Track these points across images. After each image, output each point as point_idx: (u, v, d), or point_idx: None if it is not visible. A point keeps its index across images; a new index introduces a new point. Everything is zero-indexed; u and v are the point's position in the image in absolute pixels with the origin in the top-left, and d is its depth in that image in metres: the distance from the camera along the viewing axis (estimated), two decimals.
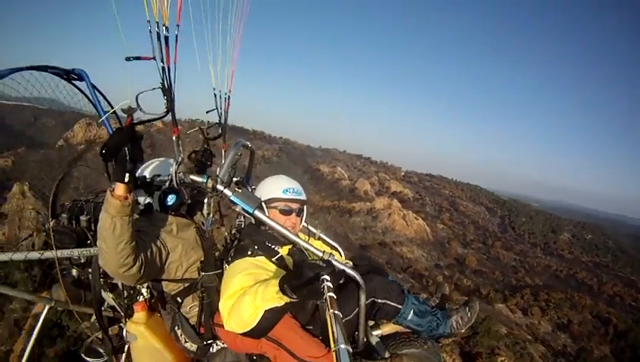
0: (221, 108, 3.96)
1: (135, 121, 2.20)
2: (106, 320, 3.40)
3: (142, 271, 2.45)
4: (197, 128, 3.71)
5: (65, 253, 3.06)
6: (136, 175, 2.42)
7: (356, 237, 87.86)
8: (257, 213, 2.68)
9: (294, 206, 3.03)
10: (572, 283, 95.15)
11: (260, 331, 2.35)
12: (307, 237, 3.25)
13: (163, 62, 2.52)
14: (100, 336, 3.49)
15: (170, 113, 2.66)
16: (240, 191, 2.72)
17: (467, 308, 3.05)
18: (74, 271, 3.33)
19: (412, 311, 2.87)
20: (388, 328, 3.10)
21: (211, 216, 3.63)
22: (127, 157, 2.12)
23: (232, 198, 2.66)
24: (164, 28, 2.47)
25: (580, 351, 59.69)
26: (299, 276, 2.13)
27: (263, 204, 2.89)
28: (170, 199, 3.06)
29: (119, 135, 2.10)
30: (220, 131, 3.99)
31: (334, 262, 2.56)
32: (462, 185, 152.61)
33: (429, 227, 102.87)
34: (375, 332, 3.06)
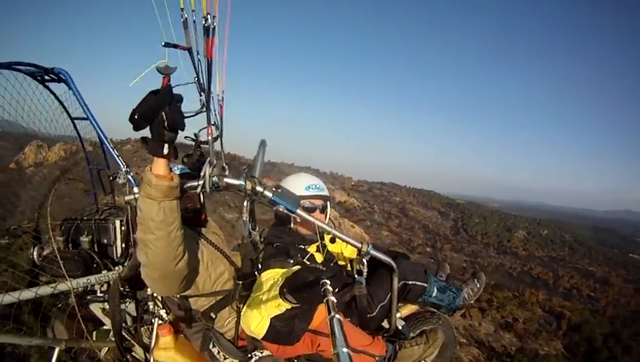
0: (215, 112, 3.48)
1: (181, 95, 1.85)
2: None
3: (187, 269, 2.22)
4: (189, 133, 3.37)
5: (81, 282, 2.72)
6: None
7: None
8: (300, 211, 2.54)
9: (318, 202, 2.96)
10: (527, 279, 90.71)
11: (273, 338, 2.32)
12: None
13: (199, 55, 2.35)
14: None
15: (206, 111, 2.56)
16: (280, 190, 2.53)
17: (475, 280, 3.23)
18: (72, 301, 2.85)
19: (436, 288, 2.99)
20: (406, 310, 3.28)
21: (249, 221, 2.83)
22: (166, 124, 1.73)
23: (275, 198, 2.47)
24: (207, 18, 2.17)
25: (519, 350, 53.16)
26: (298, 281, 2.07)
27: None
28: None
29: (155, 97, 1.69)
30: (218, 135, 3.57)
31: (373, 251, 2.62)
32: (414, 192, 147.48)
33: (370, 234, 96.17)
34: (397, 315, 3.06)
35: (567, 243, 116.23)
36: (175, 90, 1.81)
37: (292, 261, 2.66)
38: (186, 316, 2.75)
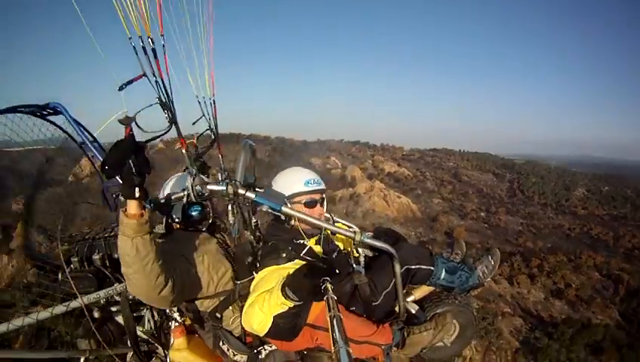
0: (209, 114, 3.85)
1: (144, 141, 2.05)
2: (142, 356, 3.26)
3: (175, 290, 2.38)
4: (190, 141, 3.39)
5: (91, 297, 2.96)
6: (147, 189, 2.14)
7: None
8: (285, 209, 2.63)
9: (317, 197, 3.02)
10: (586, 240, 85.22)
11: (275, 335, 2.41)
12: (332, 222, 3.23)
13: (155, 76, 2.48)
14: None
15: (173, 125, 2.67)
16: (262, 190, 2.69)
17: (489, 257, 3.17)
18: (96, 314, 3.16)
19: (444, 270, 2.98)
20: (419, 292, 3.26)
21: (236, 223, 3.12)
22: (133, 171, 1.94)
23: (257, 199, 2.60)
24: (150, 40, 2.39)
25: (564, 321, 50.31)
26: (299, 279, 2.13)
27: (287, 200, 2.84)
28: (194, 211, 2.97)
29: (120, 147, 1.91)
30: (213, 137, 3.91)
31: (367, 239, 2.65)
32: (468, 155, 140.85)
33: (420, 203, 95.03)
34: (409, 299, 3.15)
35: (629, 199, 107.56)
36: (140, 115, 2.15)
37: (284, 256, 2.69)
38: (195, 317, 2.96)
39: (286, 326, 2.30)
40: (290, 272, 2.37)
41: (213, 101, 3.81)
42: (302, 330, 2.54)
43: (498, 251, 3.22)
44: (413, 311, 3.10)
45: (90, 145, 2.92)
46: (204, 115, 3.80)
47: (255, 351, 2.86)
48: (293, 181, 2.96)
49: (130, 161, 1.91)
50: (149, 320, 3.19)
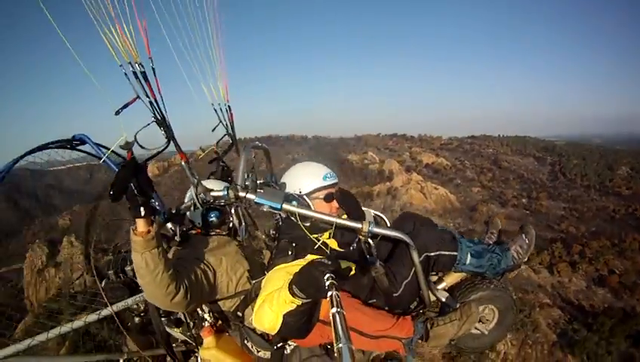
0: (225, 120, 3.94)
1: (140, 159, 2.18)
2: (180, 355, 3.49)
3: (188, 295, 2.47)
4: (210, 148, 3.86)
5: (120, 305, 3.16)
6: (154, 205, 2.46)
7: None
8: (286, 206, 2.61)
9: (334, 190, 2.98)
10: (631, 222, 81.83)
11: (287, 333, 2.35)
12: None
13: (149, 97, 2.56)
14: None
15: (171, 141, 2.70)
16: (262, 191, 2.64)
17: (524, 236, 2.98)
18: (136, 319, 3.37)
19: (469, 255, 2.82)
20: (451, 279, 3.07)
21: (243, 224, 3.24)
22: (136, 191, 2.08)
23: (257, 200, 2.61)
24: (138, 65, 2.50)
25: (604, 311, 48.85)
26: (305, 276, 2.11)
27: (306, 197, 2.87)
28: (213, 216, 3.19)
29: (122, 172, 2.05)
30: (231, 142, 4.02)
31: (375, 229, 2.56)
32: (507, 140, 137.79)
33: (459, 193, 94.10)
34: (440, 286, 3.01)
35: None
36: (141, 134, 2.34)
37: (291, 253, 2.72)
38: (221, 317, 3.12)
39: (297, 324, 2.27)
40: (296, 270, 2.38)
41: (229, 107, 3.94)
42: (314, 327, 2.49)
43: (532, 229, 3.06)
44: (443, 299, 3.00)
45: (113, 165, 3.03)
46: (221, 122, 3.94)
47: (276, 347, 2.89)
48: (312, 177, 2.95)
49: (132, 184, 2.07)
50: (184, 322, 3.29)
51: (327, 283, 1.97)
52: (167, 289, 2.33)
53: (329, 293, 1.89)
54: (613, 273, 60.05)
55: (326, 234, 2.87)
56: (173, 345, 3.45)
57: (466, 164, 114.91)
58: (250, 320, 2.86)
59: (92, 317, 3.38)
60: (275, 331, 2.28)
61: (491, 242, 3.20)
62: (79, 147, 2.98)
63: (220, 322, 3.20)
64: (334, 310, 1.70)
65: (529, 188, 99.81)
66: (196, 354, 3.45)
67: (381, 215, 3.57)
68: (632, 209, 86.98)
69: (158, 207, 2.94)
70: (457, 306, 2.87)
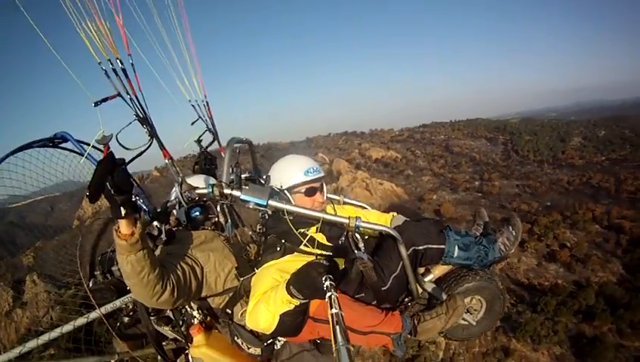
0: (204, 116, 4.02)
1: (123, 158, 2.08)
2: (171, 354, 3.43)
3: (175, 294, 2.46)
4: (190, 141, 3.86)
5: (108, 307, 3.14)
6: (135, 202, 2.21)
7: None
8: (272, 202, 2.57)
9: (317, 185, 2.94)
10: (587, 191, 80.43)
11: (282, 332, 2.41)
12: (332, 207, 3.18)
13: (129, 94, 2.58)
14: None
15: (154, 139, 2.73)
16: (247, 187, 2.59)
17: (509, 227, 2.98)
18: (126, 319, 3.36)
19: (456, 247, 2.80)
20: (438, 271, 3.08)
21: (229, 221, 3.26)
22: (112, 192, 1.94)
23: (243, 197, 2.56)
24: (118, 61, 2.51)
25: (551, 289, 45.90)
26: (302, 277, 2.15)
27: (286, 192, 2.85)
28: (195, 212, 3.22)
29: (98, 169, 1.91)
30: (213, 137, 4.07)
31: (362, 224, 2.56)
32: (459, 124, 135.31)
33: (407, 185, 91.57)
34: (427, 279, 3.02)
35: (627, 140, 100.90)
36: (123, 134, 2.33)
37: (279, 250, 2.67)
38: (210, 314, 3.04)
39: (293, 324, 2.31)
40: (287, 266, 2.53)
41: (206, 102, 3.98)
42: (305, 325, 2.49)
43: (519, 220, 2.98)
44: (431, 291, 2.92)
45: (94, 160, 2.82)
46: (200, 117, 3.96)
47: (266, 343, 2.90)
48: (293, 172, 2.87)
49: (108, 183, 1.88)
50: (173, 320, 3.18)
51: (325, 284, 1.99)
52: (153, 289, 2.29)
53: (327, 294, 1.90)
54: (564, 247, 57.03)
55: (313, 229, 2.84)
56: (164, 343, 3.36)
57: (417, 153, 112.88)
58: (239, 316, 2.91)
59: (81, 321, 3.29)
60: (271, 331, 2.32)
61: (478, 234, 3.10)
62: (61, 145, 2.89)
63: (209, 319, 3.15)
64: (333, 311, 1.72)
65: (481, 170, 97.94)
66: (187, 352, 3.34)
67: (366, 206, 3.64)
68: (586, 178, 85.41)
69: (144, 206, 2.83)
70: (444, 298, 2.83)
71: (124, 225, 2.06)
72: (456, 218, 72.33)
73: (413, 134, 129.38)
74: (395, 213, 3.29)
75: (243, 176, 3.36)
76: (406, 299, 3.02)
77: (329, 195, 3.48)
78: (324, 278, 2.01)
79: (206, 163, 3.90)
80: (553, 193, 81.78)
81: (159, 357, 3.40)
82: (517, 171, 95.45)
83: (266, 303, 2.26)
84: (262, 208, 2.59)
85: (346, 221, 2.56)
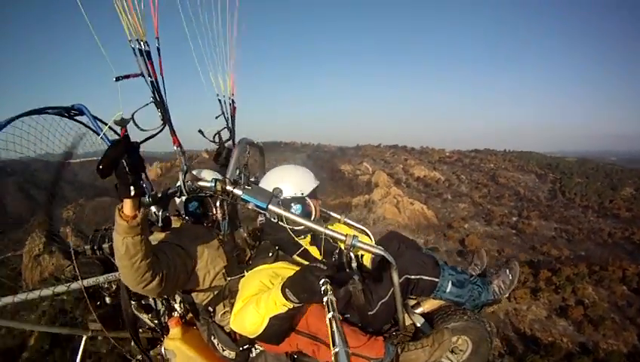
0: (227, 114, 3.89)
1: (134, 140, 2.09)
2: (145, 342, 3.42)
3: (163, 284, 2.44)
4: (211, 129, 3.71)
5: (90, 281, 3.12)
6: (144, 187, 2.27)
7: None
8: (272, 207, 2.54)
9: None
10: (627, 247, 74.53)
11: (268, 337, 2.35)
12: (332, 224, 3.27)
13: (150, 77, 2.53)
14: (141, 358, 3.47)
15: (167, 125, 2.67)
16: (250, 188, 2.57)
17: (507, 271, 2.91)
18: (107, 299, 3.32)
19: (450, 283, 2.73)
20: (429, 304, 3.03)
21: (227, 219, 3.10)
22: (127, 170, 1.96)
23: (243, 197, 2.53)
24: (143, 43, 2.47)
25: (545, 347, 43.24)
26: (300, 280, 2.13)
27: (307, 198, 2.88)
28: (192, 206, 3.19)
29: (114, 148, 1.94)
30: (230, 135, 3.92)
31: (358, 243, 2.45)
32: (511, 155, 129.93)
33: (441, 209, 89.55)
34: (417, 311, 2.97)
35: None
36: (138, 115, 2.25)
37: (271, 255, 2.66)
38: (191, 309, 2.97)
39: (280, 329, 2.28)
40: (278, 272, 2.52)
41: (232, 100, 3.86)
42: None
43: (517, 265, 2.91)
44: (419, 325, 2.86)
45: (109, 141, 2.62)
46: (223, 113, 3.82)
47: (242, 348, 2.83)
48: (310, 178, 2.94)
49: (124, 161, 1.91)
50: (154, 309, 3.18)
51: (323, 288, 1.97)
52: (142, 276, 2.28)
53: (325, 298, 1.88)
54: (580, 304, 53.79)
55: (307, 240, 2.87)
56: (140, 330, 3.35)
57: (462, 178, 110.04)
58: (219, 316, 2.88)
59: (61, 288, 3.27)
60: (257, 334, 2.27)
61: (474, 273, 3.03)
62: (76, 117, 2.74)
63: (189, 315, 3.11)
64: (330, 315, 1.70)
65: (522, 207, 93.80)
66: (160, 343, 3.31)
67: (366, 230, 3.69)
68: (628, 233, 79.27)
69: (145, 190, 2.64)
70: (430, 332, 2.71)
71: (128, 206, 2.06)
72: (484, 251, 70.49)
73: (462, 158, 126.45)
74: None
75: (252, 179, 3.43)
76: (392, 329, 2.92)
77: (331, 213, 3.76)
78: (321, 282, 2.00)
79: (227, 156, 3.70)
80: (590, 243, 77.09)
81: (132, 343, 3.39)
82: (560, 213, 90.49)
83: (256, 305, 2.24)
84: (261, 210, 2.60)
85: (343, 238, 2.47)
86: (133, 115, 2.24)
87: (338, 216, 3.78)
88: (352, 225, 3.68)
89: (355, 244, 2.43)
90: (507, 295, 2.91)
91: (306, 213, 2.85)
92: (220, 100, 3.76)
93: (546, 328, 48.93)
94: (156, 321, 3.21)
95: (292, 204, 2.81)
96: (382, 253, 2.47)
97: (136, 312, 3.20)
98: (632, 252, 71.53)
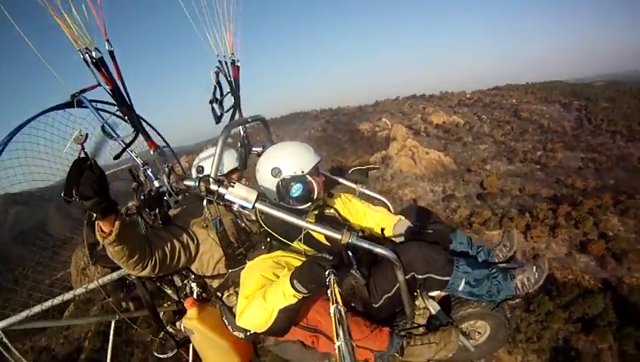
0: (229, 76, 3.58)
1: (91, 161, 1.97)
2: (170, 315, 3.50)
3: (157, 269, 2.52)
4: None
5: (105, 279, 3.25)
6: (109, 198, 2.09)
7: None
8: (259, 205, 2.40)
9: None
10: None
11: (276, 330, 2.31)
12: (341, 199, 3.20)
13: (108, 85, 2.41)
14: (162, 336, 3.52)
15: (138, 133, 2.59)
16: (234, 186, 2.41)
17: (534, 268, 2.65)
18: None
19: (463, 281, 2.54)
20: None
21: (218, 216, 2.89)
22: (78, 199, 1.90)
23: (227, 197, 2.40)
24: (94, 50, 2.31)
25: (548, 284, 40.38)
26: (307, 270, 2.11)
27: (308, 176, 2.77)
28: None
29: (70, 172, 1.90)
30: (234, 101, 3.64)
31: (356, 242, 2.33)
32: (533, 87, 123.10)
33: (461, 153, 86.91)
34: (433, 293, 2.76)
35: None
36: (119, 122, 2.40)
37: (264, 247, 2.61)
38: (205, 291, 3.07)
39: (288, 321, 2.25)
40: (277, 261, 2.48)
41: (233, 61, 3.57)
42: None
43: (546, 263, 2.64)
44: (434, 312, 2.66)
45: (112, 129, 2.65)
46: (225, 76, 3.54)
47: (249, 333, 2.76)
48: (308, 154, 2.81)
49: (74, 192, 1.86)
50: (176, 286, 3.24)
51: (328, 278, 1.96)
52: (134, 268, 2.41)
53: (330, 289, 1.87)
54: (604, 237, 50.79)
55: (311, 219, 2.79)
56: (166, 304, 3.49)
57: (484, 118, 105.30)
58: (226, 298, 2.87)
59: (80, 291, 3.45)
60: (266, 328, 2.24)
61: (502, 255, 3.00)
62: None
63: (204, 294, 3.13)
64: (335, 306, 1.68)
65: (546, 140, 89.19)
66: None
67: (384, 200, 3.58)
68: None
69: (152, 176, 2.70)
70: (445, 322, 2.63)
71: (102, 225, 2.06)
72: (501, 192, 68.67)
73: (483, 98, 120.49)
74: (402, 217, 3.12)
75: (255, 150, 3.58)
76: (399, 319, 2.84)
77: (346, 182, 3.67)
78: (327, 272, 1.99)
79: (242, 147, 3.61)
80: (619, 170, 72.63)
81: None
82: (585, 142, 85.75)
83: (263, 299, 2.21)
84: (247, 211, 2.53)
85: (339, 237, 2.36)
86: (103, 128, 2.34)
87: (354, 186, 3.66)
88: (370, 195, 3.63)
89: (353, 244, 2.31)
90: (531, 291, 2.66)
91: (307, 192, 2.75)
92: (220, 60, 3.50)
93: (567, 266, 46.47)
94: (179, 296, 3.25)
95: (292, 183, 2.72)
96: (384, 252, 2.35)
97: (161, 286, 3.27)
98: None
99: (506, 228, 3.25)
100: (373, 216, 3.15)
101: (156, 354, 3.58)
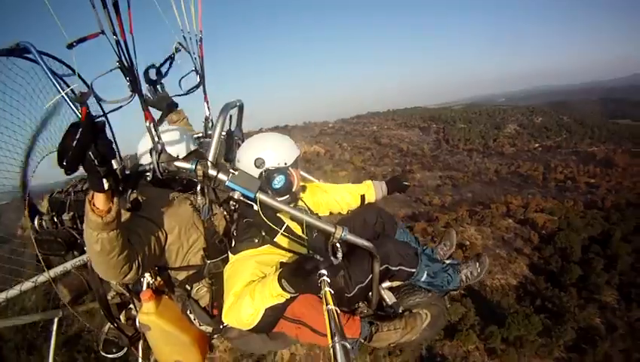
0: (194, 53, 3.49)
1: (104, 120, 1.68)
2: (115, 309, 3.17)
3: (140, 271, 2.20)
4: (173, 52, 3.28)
5: (57, 270, 2.89)
6: (116, 170, 1.77)
7: None
8: (260, 195, 2.29)
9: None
10: (514, 180, 75.79)
11: (261, 328, 2.27)
12: (336, 187, 3.16)
13: (116, 35, 1.99)
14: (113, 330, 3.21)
15: (136, 95, 2.21)
16: (237, 173, 2.28)
17: (477, 264, 2.93)
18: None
19: (425, 273, 2.75)
20: (396, 282, 2.99)
21: (207, 204, 2.66)
22: (96, 161, 1.60)
23: (229, 184, 2.25)
24: None
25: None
26: (297, 271, 2.05)
27: (290, 168, 2.59)
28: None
29: (78, 137, 1.54)
30: (198, 80, 3.54)
31: (348, 236, 2.36)
32: (394, 114, 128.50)
33: (324, 180, 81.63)
34: (384, 285, 2.90)
35: (564, 126, 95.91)
36: (101, 80, 1.93)
37: (257, 241, 2.43)
38: (166, 284, 2.73)
39: (274, 319, 2.25)
40: (266, 259, 2.37)
41: (200, 38, 3.47)
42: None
43: (488, 260, 2.93)
44: (390, 302, 2.80)
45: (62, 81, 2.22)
46: (188, 52, 3.42)
47: (222, 326, 2.65)
48: (290, 146, 2.63)
49: (91, 153, 1.56)
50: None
51: (320, 279, 1.94)
52: (120, 270, 2.01)
53: (322, 290, 1.85)
54: (461, 247, 50.21)
55: (287, 215, 2.68)
56: (109, 296, 3.10)
57: (345, 146, 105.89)
58: (195, 291, 2.69)
59: (28, 285, 3.03)
60: (252, 326, 2.18)
61: (442, 253, 3.18)
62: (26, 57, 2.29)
63: (158, 281, 2.79)
64: (329, 307, 1.68)
65: (404, 162, 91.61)
66: (130, 308, 3.19)
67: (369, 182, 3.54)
68: (514, 167, 79.97)
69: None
70: (399, 311, 2.76)
71: (101, 201, 1.73)
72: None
73: (344, 126, 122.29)
74: (371, 182, 3.15)
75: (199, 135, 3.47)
76: (361, 305, 2.85)
77: (310, 177, 3.66)
78: (318, 273, 1.92)
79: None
80: (476, 184, 75.85)
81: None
82: (443, 161, 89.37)
83: (251, 298, 2.10)
84: (248, 200, 2.31)
85: (333, 230, 2.33)
86: (91, 85, 1.96)
87: (316, 181, 3.57)
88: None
89: (345, 238, 2.32)
90: (471, 283, 2.90)
91: (288, 184, 2.55)
92: (184, 37, 3.34)
93: None
94: (124, 287, 2.95)
95: (275, 175, 2.50)
96: (369, 245, 2.40)
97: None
98: (519, 184, 72.20)
99: (446, 231, 3.19)
100: (342, 196, 3.07)
101: (103, 354, 3.17)
